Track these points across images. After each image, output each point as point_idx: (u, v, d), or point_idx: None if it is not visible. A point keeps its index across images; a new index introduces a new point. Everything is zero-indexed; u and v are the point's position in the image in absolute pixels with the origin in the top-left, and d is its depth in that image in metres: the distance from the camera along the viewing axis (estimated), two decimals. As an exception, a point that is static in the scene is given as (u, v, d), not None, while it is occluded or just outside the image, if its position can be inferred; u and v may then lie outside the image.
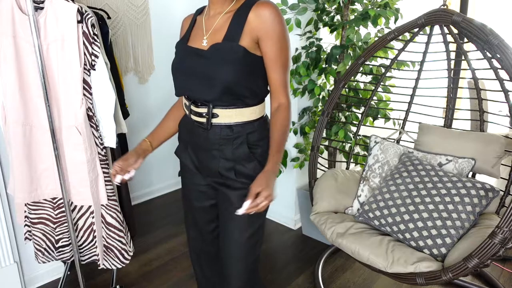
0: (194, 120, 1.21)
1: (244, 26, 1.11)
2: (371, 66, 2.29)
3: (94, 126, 1.67)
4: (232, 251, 1.27)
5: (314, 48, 2.31)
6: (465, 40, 1.86)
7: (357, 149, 2.62)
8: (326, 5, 2.25)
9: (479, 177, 1.91)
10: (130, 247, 1.87)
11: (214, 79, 1.11)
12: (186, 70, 1.18)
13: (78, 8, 1.53)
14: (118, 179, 1.21)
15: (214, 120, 1.17)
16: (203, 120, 1.19)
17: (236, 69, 1.10)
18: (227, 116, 1.17)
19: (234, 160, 1.19)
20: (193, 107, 1.20)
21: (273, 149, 1.15)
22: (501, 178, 1.83)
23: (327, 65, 2.32)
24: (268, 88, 1.21)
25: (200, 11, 1.29)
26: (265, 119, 1.25)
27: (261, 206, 1.03)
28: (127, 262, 1.86)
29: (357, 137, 2.25)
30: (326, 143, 2.44)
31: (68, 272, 2.08)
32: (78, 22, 1.54)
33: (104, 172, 1.72)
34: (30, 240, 1.84)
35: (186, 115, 1.27)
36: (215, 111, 1.16)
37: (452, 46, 1.98)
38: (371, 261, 1.57)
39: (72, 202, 1.74)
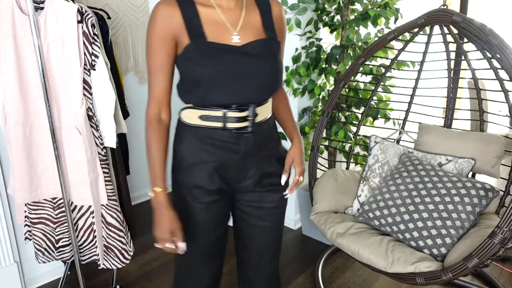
0: (233, 129, 1.06)
1: (273, 22, 1.11)
2: (371, 66, 2.29)
3: (94, 126, 1.67)
4: (270, 246, 1.25)
5: (314, 48, 2.31)
6: (465, 40, 1.86)
7: (357, 149, 2.62)
8: (326, 5, 2.25)
9: (479, 177, 1.91)
10: (130, 247, 1.87)
11: (268, 78, 1.06)
12: (230, 71, 1.02)
13: (78, 8, 1.53)
14: (183, 246, 1.08)
15: (256, 119, 1.09)
16: (246, 124, 1.06)
17: (281, 66, 1.12)
18: (263, 112, 1.11)
19: (277, 152, 1.20)
20: (232, 114, 1.04)
21: (294, 125, 1.27)
22: (501, 178, 1.83)
23: (327, 65, 2.32)
24: None
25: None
26: None
27: (300, 183, 1.17)
28: (127, 262, 1.86)
29: (357, 137, 2.25)
30: (326, 143, 2.44)
31: (68, 272, 2.08)
32: (78, 22, 1.54)
33: (104, 172, 1.72)
34: (30, 240, 1.84)
35: (210, 129, 1.07)
36: (257, 109, 1.07)
37: (452, 46, 1.98)
38: (371, 261, 1.57)
39: (72, 202, 1.74)
